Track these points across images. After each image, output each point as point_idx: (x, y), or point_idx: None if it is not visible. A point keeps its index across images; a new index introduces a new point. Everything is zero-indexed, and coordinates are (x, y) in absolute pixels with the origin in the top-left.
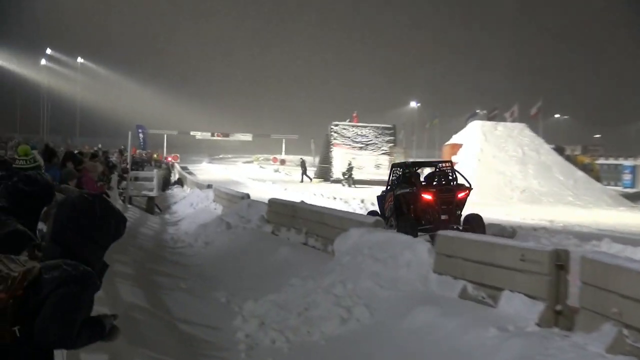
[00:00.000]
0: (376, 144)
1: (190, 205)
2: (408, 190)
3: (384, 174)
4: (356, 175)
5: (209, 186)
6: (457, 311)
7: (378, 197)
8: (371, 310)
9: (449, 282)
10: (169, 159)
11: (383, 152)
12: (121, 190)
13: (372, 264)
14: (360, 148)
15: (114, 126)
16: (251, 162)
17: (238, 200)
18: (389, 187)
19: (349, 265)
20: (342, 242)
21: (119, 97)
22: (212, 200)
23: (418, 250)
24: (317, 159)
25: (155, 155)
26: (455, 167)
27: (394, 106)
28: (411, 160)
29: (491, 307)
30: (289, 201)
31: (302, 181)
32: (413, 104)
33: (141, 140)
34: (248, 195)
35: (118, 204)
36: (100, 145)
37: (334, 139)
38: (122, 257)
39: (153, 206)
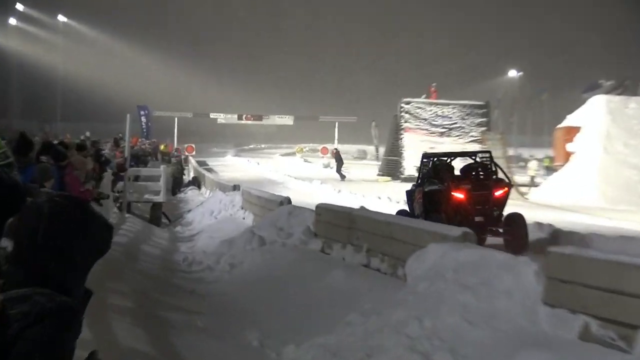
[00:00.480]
0: (463, 127)
1: (211, 214)
2: (437, 187)
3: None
4: None
5: (236, 187)
6: (576, 358)
7: (407, 192)
8: (457, 357)
9: (564, 317)
10: (182, 151)
11: (472, 138)
12: (117, 194)
13: (459, 292)
14: (441, 134)
15: (107, 108)
16: (292, 154)
17: (275, 207)
18: (418, 181)
19: (427, 294)
20: (418, 263)
21: (114, 68)
22: (240, 206)
23: (522, 273)
24: (381, 150)
25: (162, 147)
26: (574, 158)
27: (486, 77)
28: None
29: (624, 352)
30: (344, 207)
31: (342, 179)
32: (512, 73)
33: (144, 126)
34: (288, 200)
35: (112, 212)
36: (88, 134)
37: (405, 121)
38: (117, 284)
39: (160, 216)
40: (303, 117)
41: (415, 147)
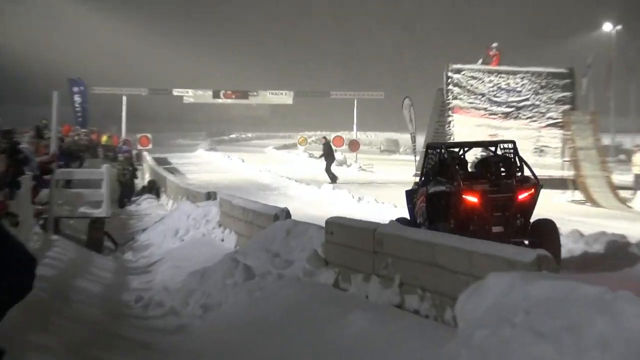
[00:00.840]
0: (537, 106)
1: (175, 235)
2: (444, 187)
3: (551, 166)
4: None
5: (211, 196)
6: None
7: (407, 192)
8: None
9: None
10: (133, 144)
11: (551, 120)
12: (39, 207)
13: (532, 343)
14: (506, 115)
15: (26, 84)
16: (292, 146)
17: (267, 223)
18: (422, 179)
19: (487, 346)
20: (473, 301)
21: (38, 29)
22: (217, 223)
23: (622, 313)
24: (419, 139)
25: (104, 138)
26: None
27: (569, 33)
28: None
29: None
30: (366, 223)
31: (332, 181)
32: (608, 27)
33: (78, 108)
34: (287, 213)
35: (33, 233)
36: None
37: (454, 97)
38: (42, 337)
39: (102, 237)
40: (307, 93)
41: (468, 133)
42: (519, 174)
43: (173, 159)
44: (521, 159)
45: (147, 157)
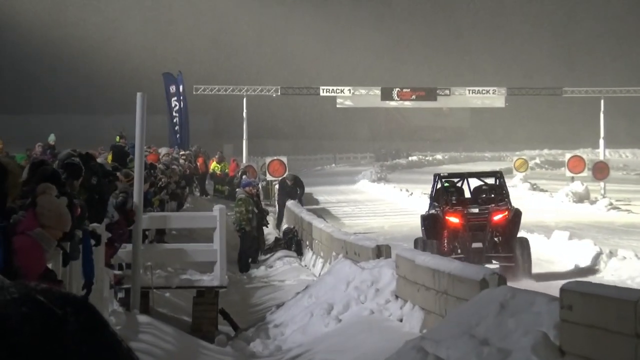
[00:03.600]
0: None
1: (327, 312)
2: (434, 211)
3: None
4: None
5: (382, 251)
6: None
7: (422, 217)
8: None
9: None
10: (258, 172)
11: None
12: (117, 272)
13: None
14: None
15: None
16: (506, 172)
17: (470, 292)
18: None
19: None
20: None
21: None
22: (392, 292)
23: None
24: None
25: (213, 164)
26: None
27: None
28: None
29: None
30: (624, 291)
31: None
32: None
33: (176, 118)
34: (500, 277)
35: (109, 310)
36: (52, 138)
37: None
38: None
39: (215, 317)
40: (526, 90)
41: None
42: (504, 199)
43: (321, 195)
44: (504, 186)
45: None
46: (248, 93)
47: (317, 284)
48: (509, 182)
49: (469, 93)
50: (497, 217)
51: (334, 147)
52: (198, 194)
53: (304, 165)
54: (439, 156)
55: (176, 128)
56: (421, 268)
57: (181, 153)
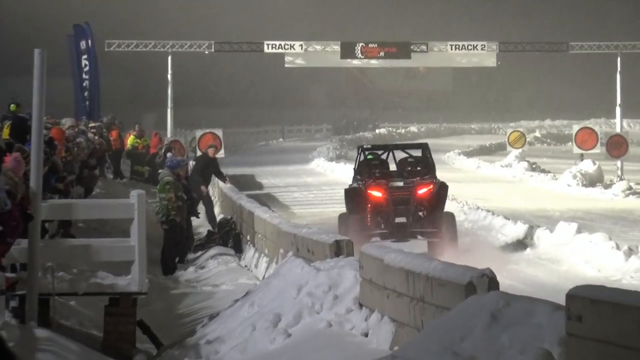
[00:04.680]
0: None
1: (274, 325)
2: (355, 185)
3: None
4: None
5: (341, 247)
6: None
7: (345, 191)
8: None
9: None
10: (187, 148)
11: None
12: (9, 275)
13: None
14: None
15: None
16: (498, 149)
17: (453, 299)
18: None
19: None
20: None
21: None
22: (354, 300)
23: None
24: None
25: (131, 139)
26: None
27: None
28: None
29: None
30: None
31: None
32: None
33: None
34: (491, 280)
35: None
36: None
37: None
38: None
39: (132, 332)
40: (522, 45)
41: None
42: (430, 172)
43: (266, 177)
44: (432, 160)
45: (222, 185)
46: (174, 50)
47: (261, 290)
48: (502, 160)
49: (452, 49)
50: (422, 191)
51: (281, 118)
52: (111, 176)
53: (245, 140)
54: (413, 128)
55: (85, 94)
56: (391, 269)
57: (90, 125)
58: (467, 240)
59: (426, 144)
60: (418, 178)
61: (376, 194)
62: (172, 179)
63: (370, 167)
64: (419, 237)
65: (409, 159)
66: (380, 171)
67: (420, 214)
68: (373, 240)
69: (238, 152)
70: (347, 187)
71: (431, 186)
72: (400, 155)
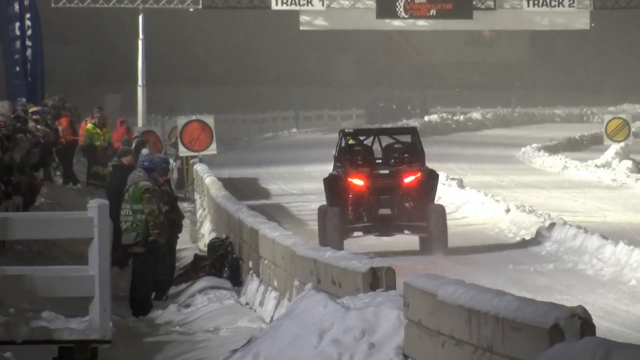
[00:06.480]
0: None
1: None
2: (336, 172)
3: None
4: None
5: (379, 277)
6: None
7: (324, 180)
8: None
9: None
10: (165, 143)
11: None
12: None
13: None
14: None
15: None
16: (592, 142)
17: (533, 347)
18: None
19: None
20: None
21: None
22: (396, 350)
23: None
24: None
25: (89, 127)
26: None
27: None
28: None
29: None
30: None
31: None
32: None
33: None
34: (584, 322)
35: None
36: None
37: None
38: None
39: None
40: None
41: None
42: (417, 160)
43: (274, 183)
44: (420, 146)
45: (206, 179)
46: (147, 6)
47: (269, 336)
48: (598, 158)
49: (529, 6)
50: (408, 179)
51: (295, 100)
52: (60, 180)
53: (245, 131)
54: (476, 114)
55: (24, 67)
56: (448, 307)
57: (32, 110)
58: (549, 267)
59: (415, 128)
60: (405, 166)
61: (358, 182)
62: (150, 184)
63: (352, 154)
64: (406, 231)
65: (396, 145)
66: (362, 158)
67: (407, 205)
68: (354, 235)
69: (236, 147)
70: (326, 176)
71: (419, 174)
72: (387, 141)
